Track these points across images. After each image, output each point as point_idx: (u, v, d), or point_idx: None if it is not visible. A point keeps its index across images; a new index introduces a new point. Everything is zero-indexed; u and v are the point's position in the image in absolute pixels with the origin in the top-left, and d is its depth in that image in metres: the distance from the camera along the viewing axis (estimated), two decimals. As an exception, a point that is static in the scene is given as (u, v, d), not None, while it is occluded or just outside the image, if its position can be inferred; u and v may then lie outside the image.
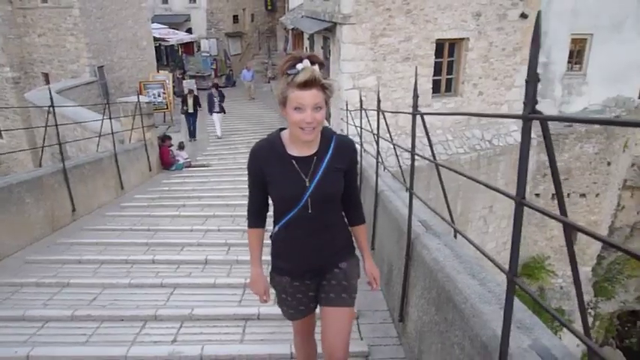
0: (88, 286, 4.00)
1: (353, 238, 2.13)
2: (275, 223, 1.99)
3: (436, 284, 2.27)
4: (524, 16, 10.21)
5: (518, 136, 11.49)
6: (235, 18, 27.96)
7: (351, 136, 2.51)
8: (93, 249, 4.97)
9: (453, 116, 10.39)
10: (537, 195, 16.81)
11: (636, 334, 22.45)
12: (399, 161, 3.97)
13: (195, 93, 14.50)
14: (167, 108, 16.33)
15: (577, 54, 16.77)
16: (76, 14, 17.80)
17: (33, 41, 19.29)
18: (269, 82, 24.31)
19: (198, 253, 4.77)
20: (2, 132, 20.95)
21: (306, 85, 1.69)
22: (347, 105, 7.55)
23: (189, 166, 10.04)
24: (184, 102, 13.86)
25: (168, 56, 25.92)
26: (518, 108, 10.79)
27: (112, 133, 7.33)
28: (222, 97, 13.95)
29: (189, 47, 25.92)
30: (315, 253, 1.97)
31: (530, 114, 1.23)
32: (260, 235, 2.07)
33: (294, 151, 1.88)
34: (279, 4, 29.76)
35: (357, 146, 6.44)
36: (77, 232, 5.57)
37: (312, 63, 1.72)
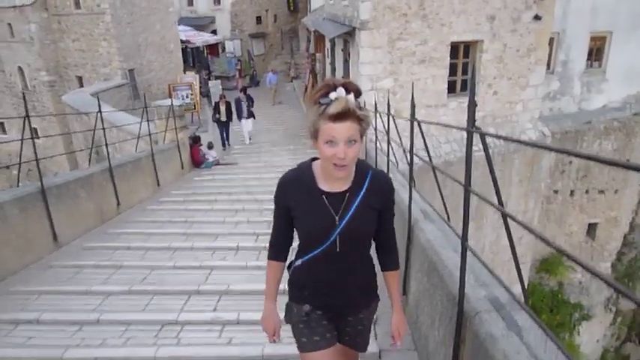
0: (139, 267, 4.68)
1: (376, 279, 2.02)
2: (298, 255, 1.90)
3: (427, 258, 2.84)
4: (537, 17, 10.55)
5: (532, 134, 11.85)
6: (258, 19, 28.70)
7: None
8: (138, 238, 5.67)
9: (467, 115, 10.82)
10: (556, 192, 17.05)
11: None
12: (407, 160, 4.52)
13: (227, 99, 13.54)
14: (195, 108, 17.10)
15: (596, 52, 16.87)
16: (107, 20, 18.75)
17: (67, 46, 20.36)
18: (292, 82, 24.97)
19: (231, 241, 5.41)
20: (38, 132, 22.08)
21: (340, 116, 1.56)
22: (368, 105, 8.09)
23: (218, 164, 10.74)
24: (216, 109, 13.05)
25: (194, 58, 26.80)
26: (533, 107, 11.11)
27: (150, 135, 8.04)
28: (251, 101, 13.37)
29: (214, 48, 26.77)
30: (337, 292, 1.87)
31: (472, 128, 1.79)
32: (279, 270, 1.97)
33: (325, 185, 1.76)
34: (301, 5, 30.39)
35: (372, 149, 6.94)
36: (123, 224, 6.29)
37: (348, 91, 1.59)
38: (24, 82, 21.27)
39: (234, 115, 13.40)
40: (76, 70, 20.56)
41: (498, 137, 1.81)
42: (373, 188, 1.79)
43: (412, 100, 3.15)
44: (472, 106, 1.80)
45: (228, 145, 13.43)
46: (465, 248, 1.98)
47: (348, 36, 11.05)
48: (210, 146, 11.05)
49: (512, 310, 1.96)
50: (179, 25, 24.40)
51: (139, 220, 6.47)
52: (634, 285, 20.75)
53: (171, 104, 9.18)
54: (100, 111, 6.36)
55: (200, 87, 20.25)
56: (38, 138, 21.13)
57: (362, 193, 1.76)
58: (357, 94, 1.61)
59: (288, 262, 1.98)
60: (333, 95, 1.57)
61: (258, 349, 3.05)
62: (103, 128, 6.56)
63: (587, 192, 17.25)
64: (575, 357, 16.80)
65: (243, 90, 13.82)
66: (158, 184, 8.30)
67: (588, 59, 16.74)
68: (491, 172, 1.87)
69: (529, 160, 12.01)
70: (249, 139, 13.77)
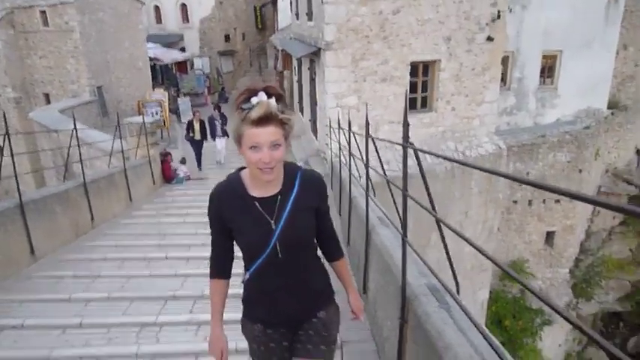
0: (116, 277, 4.95)
1: (331, 282, 2.01)
2: (245, 268, 1.86)
3: (382, 258, 3.25)
4: (490, 39, 11.32)
5: (489, 147, 12.56)
6: (227, 37, 29.10)
7: (334, 151, 3.27)
8: (114, 250, 5.92)
9: (429, 130, 11.46)
10: (515, 202, 17.92)
11: (619, 335, 23.38)
12: (364, 173, 4.96)
13: (201, 117, 12.74)
14: (165, 125, 17.26)
15: (548, 69, 17.96)
16: (76, 37, 18.80)
17: (34, 63, 20.25)
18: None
19: (204, 251, 5.69)
20: (2, 149, 21.65)
21: (262, 121, 1.55)
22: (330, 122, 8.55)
23: (189, 179, 10.98)
24: (190, 127, 12.34)
25: (163, 75, 26.93)
26: (489, 122, 11.83)
27: (122, 151, 8.27)
28: (224, 119, 12.65)
29: (182, 66, 26.99)
30: (290, 300, 1.83)
31: (406, 144, 2.22)
32: (223, 289, 1.92)
33: (255, 191, 1.75)
34: (268, 23, 31.00)
35: (337, 163, 7.35)
36: (98, 237, 6.51)
37: (269, 95, 1.58)
38: (-13, 99, 20.96)
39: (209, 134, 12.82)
40: (43, 86, 20.44)
41: (429, 153, 2.24)
42: (305, 187, 1.78)
43: (366, 120, 3.57)
44: (406, 126, 2.23)
45: (200, 168, 12.66)
46: (404, 243, 2.40)
47: (314, 55, 11.56)
48: (182, 161, 11.28)
49: (444, 295, 2.38)
50: (148, 42, 24.56)
51: (113, 233, 6.69)
52: (592, 289, 21.77)
53: (143, 121, 9.42)
54: (75, 128, 6.60)
55: (169, 104, 20.43)
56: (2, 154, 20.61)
57: (294, 193, 1.76)
58: (279, 97, 1.60)
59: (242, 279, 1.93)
60: (254, 100, 1.55)
61: (232, 343, 3.38)
62: (78, 145, 6.79)
63: (544, 202, 18.16)
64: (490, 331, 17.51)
65: (217, 108, 13.13)
66: (131, 199, 8.51)
67: (541, 76, 17.81)
68: (424, 181, 2.28)
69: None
70: (222, 160, 13.07)
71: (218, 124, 12.54)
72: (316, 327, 1.90)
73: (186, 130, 12.71)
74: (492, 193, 13.16)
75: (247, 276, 1.85)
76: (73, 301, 4.32)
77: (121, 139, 8.42)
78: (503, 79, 17.24)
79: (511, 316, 18.22)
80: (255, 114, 1.54)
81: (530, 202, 18.24)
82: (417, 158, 2.37)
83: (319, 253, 2.00)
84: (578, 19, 16.66)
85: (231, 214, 1.75)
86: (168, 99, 20.47)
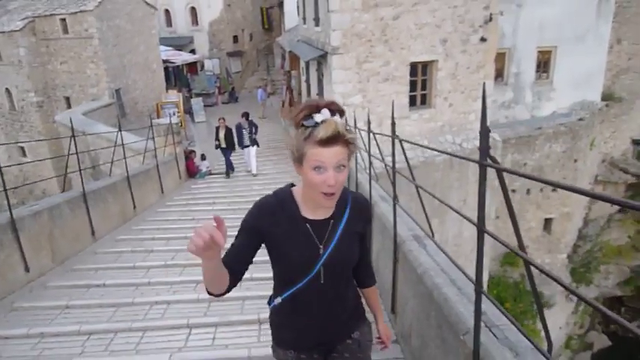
0: (166, 251, 6.06)
1: (363, 301, 1.96)
2: (277, 293, 1.76)
3: (380, 222, 4.30)
4: (483, 39, 12.30)
5: (485, 140, 13.54)
6: (235, 38, 30.16)
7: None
8: (158, 231, 7.03)
9: (429, 125, 12.49)
10: (514, 190, 18.83)
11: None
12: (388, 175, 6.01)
13: (227, 124, 11.94)
14: (182, 125, 18.36)
15: (544, 64, 18.83)
16: (95, 43, 19.92)
17: (55, 68, 21.41)
18: (268, 97, 26.45)
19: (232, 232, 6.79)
20: (26, 150, 22.92)
21: (329, 141, 1.46)
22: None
23: (211, 174, 12.08)
24: (216, 135, 11.77)
25: (175, 76, 28.02)
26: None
27: (155, 149, 9.39)
28: (253, 127, 11.79)
29: (193, 67, 28.11)
30: (326, 326, 1.77)
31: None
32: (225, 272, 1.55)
33: (308, 213, 1.66)
34: (275, 24, 32.06)
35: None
36: (141, 222, 7.64)
37: (332, 112, 1.49)
38: (11, 103, 22.18)
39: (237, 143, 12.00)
40: (64, 90, 21.58)
41: (412, 143, 3.28)
42: (355, 213, 1.73)
43: (392, 119, 4.16)
44: (393, 125, 3.27)
45: (232, 171, 12.15)
46: (394, 206, 3.45)
47: (322, 58, 12.60)
48: (202, 158, 12.37)
49: (425, 240, 3.42)
50: (160, 45, 25.69)
51: (153, 219, 7.84)
52: (591, 274, 22.63)
53: (170, 122, 10.54)
54: (120, 130, 7.71)
55: (183, 104, 21.51)
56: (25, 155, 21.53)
57: (345, 219, 1.70)
58: (342, 114, 1.52)
59: (267, 301, 1.86)
60: (318, 117, 1.46)
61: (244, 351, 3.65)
62: (123, 145, 7.90)
63: (541, 190, 19.04)
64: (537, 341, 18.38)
65: (245, 115, 11.92)
66: (162, 191, 9.62)
67: (537, 71, 18.71)
68: (409, 168, 3.31)
69: (483, 162, 13.70)
70: (255, 170, 11.95)
71: (246, 132, 11.71)
72: (351, 349, 1.85)
73: (215, 139, 11.97)
74: (489, 182, 14.12)
75: (279, 300, 1.73)
76: (137, 269, 5.42)
77: (153, 139, 9.52)
78: (501, 75, 18.21)
79: (512, 299, 19.11)
80: (323, 133, 1.44)
81: (528, 191, 19.12)
82: (402, 148, 3.41)
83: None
84: (571, 15, 17.50)
85: (277, 233, 1.63)
86: (182, 100, 21.58)
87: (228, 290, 1.61)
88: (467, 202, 13.55)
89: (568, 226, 20.45)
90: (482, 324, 1.97)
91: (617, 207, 22.91)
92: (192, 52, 29.08)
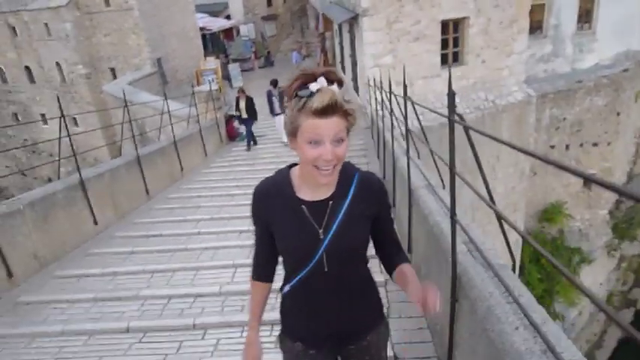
0: (212, 206, 6.77)
1: (381, 297, 1.77)
2: (285, 280, 1.66)
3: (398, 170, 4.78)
4: (516, -8, 12.17)
5: (518, 95, 13.55)
6: (269, 1, 30.31)
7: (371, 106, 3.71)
8: (204, 190, 7.77)
9: (460, 82, 12.59)
10: (552, 147, 18.62)
11: None
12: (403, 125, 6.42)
13: (247, 93, 11.72)
14: (220, 91, 19.04)
15: (586, 13, 18.13)
16: (135, 15, 20.70)
17: (99, 41, 22.41)
18: (304, 60, 26.71)
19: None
20: (78, 121, 24.26)
21: (325, 111, 1.34)
22: (369, 82, 9.93)
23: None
24: (236, 105, 11.56)
25: (212, 43, 28.61)
26: (518, 71, 12.85)
27: (198, 115, 10.07)
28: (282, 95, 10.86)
29: (229, 33, 28.59)
30: (335, 317, 1.63)
31: (405, 97, 3.69)
32: (265, 292, 1.74)
33: (306, 194, 1.53)
34: (308, -16, 31.87)
35: (376, 117, 8.66)
36: (189, 182, 8.41)
37: (330, 81, 1.38)
38: (62, 75, 23.44)
39: (267, 111, 11.67)
40: (109, 62, 22.63)
41: (423, 107, 3.70)
42: (362, 194, 1.57)
43: (404, 82, 4.68)
44: (405, 88, 3.70)
45: (254, 144, 11.70)
46: (408, 158, 3.92)
47: (353, 20, 12.80)
48: (241, 122, 13.00)
49: (436, 188, 3.90)
50: (196, 13, 26.22)
51: (200, 180, 8.61)
52: (633, 230, 22.27)
53: (210, 89, 11.16)
54: (165, 98, 8.39)
55: (221, 70, 22.13)
56: (77, 125, 22.78)
57: (348, 199, 1.55)
58: (340, 84, 1.41)
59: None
60: (314, 86, 1.36)
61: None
62: (170, 113, 8.59)
63: (581, 145, 18.75)
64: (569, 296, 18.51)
65: (274, 83, 11.47)
66: (206, 154, 10.36)
67: (579, 21, 18.05)
68: (425, 136, 3.75)
69: (517, 117, 13.75)
70: (286, 139, 10.98)
71: (276, 100, 11.26)
72: (365, 351, 1.71)
73: (235, 108, 11.82)
74: (522, 138, 14.19)
75: (288, 288, 1.64)
76: (188, 221, 6.16)
77: (195, 106, 10.19)
78: (540, 27, 17.74)
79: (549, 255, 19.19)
80: (317, 102, 1.33)
81: (567, 147, 18.86)
82: (414, 109, 3.84)
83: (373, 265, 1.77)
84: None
85: (273, 217, 1.55)
86: (220, 66, 22.20)
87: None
88: (500, 159, 13.70)
89: (610, 181, 20.09)
90: (465, 248, 2.46)
91: (663, 160, 22.23)
92: (228, 17, 29.48)
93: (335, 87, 1.38)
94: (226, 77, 23.17)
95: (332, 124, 1.35)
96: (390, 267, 1.68)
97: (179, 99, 12.12)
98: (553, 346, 1.32)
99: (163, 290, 4.19)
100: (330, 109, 1.34)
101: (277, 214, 1.53)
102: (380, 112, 8.41)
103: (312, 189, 1.52)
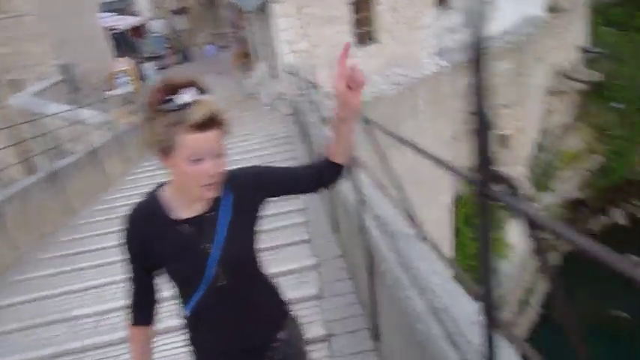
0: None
1: (282, 298, 1.69)
2: (183, 304, 1.51)
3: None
4: (418, -32, 12.61)
5: (432, 68, 14.12)
6: (177, -6, 29.28)
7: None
8: (131, 197, 7.53)
9: (376, 60, 12.93)
10: (474, 113, 19.56)
11: (582, 220, 25.55)
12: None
13: None
14: (137, 92, 18.28)
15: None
16: (32, 20, 19.26)
17: (-6, 52, 20.67)
18: (220, 52, 26.18)
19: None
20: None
21: (205, 125, 1.24)
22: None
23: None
24: None
25: (122, 42, 27.29)
26: (429, 45, 13.36)
27: (112, 122, 9.67)
28: None
29: (138, 30, 27.32)
30: (242, 330, 1.54)
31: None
32: (147, 338, 1.57)
33: (183, 211, 1.42)
34: (216, -26, 31.04)
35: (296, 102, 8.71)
36: (114, 192, 8.13)
37: (201, 91, 1.28)
38: (-45, 92, 21.48)
39: None
40: (8, 74, 20.98)
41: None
42: (241, 192, 1.48)
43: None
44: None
45: None
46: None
47: (263, 7, 12.72)
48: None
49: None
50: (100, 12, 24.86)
51: (124, 188, 8.32)
52: (551, 181, 23.96)
53: (125, 92, 10.73)
54: (77, 107, 7.99)
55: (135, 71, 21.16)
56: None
57: (230, 202, 1.46)
58: (205, 92, 1.30)
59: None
60: (187, 98, 1.24)
61: None
62: (77, 123, 8.20)
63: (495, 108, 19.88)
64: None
65: None
66: (130, 160, 10.02)
67: (478, -8, 18.99)
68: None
69: (433, 88, 14.36)
70: None
71: None
72: (280, 351, 1.63)
73: None
74: (440, 107, 14.85)
75: (188, 312, 1.51)
76: (115, 232, 5.96)
77: (109, 112, 9.77)
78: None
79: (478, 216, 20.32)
80: (197, 116, 1.23)
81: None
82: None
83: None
84: None
85: (152, 245, 1.41)
86: (134, 66, 21.23)
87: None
88: (421, 128, 14.28)
89: (523, 139, 21.52)
90: (374, 223, 2.57)
91: (573, 116, 24.07)
92: (135, 14, 28.20)
93: (209, 97, 1.29)
94: (141, 78, 22.23)
95: (213, 138, 1.27)
96: (322, 166, 1.56)
97: (95, 105, 11.54)
98: (450, 305, 1.48)
99: (95, 307, 4.09)
100: (210, 122, 1.25)
101: (154, 240, 1.41)
102: (300, 98, 8.53)
103: (189, 205, 1.42)
